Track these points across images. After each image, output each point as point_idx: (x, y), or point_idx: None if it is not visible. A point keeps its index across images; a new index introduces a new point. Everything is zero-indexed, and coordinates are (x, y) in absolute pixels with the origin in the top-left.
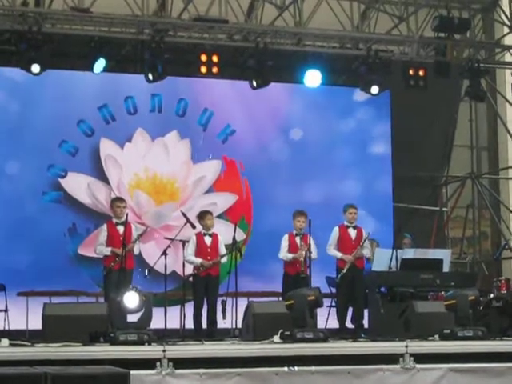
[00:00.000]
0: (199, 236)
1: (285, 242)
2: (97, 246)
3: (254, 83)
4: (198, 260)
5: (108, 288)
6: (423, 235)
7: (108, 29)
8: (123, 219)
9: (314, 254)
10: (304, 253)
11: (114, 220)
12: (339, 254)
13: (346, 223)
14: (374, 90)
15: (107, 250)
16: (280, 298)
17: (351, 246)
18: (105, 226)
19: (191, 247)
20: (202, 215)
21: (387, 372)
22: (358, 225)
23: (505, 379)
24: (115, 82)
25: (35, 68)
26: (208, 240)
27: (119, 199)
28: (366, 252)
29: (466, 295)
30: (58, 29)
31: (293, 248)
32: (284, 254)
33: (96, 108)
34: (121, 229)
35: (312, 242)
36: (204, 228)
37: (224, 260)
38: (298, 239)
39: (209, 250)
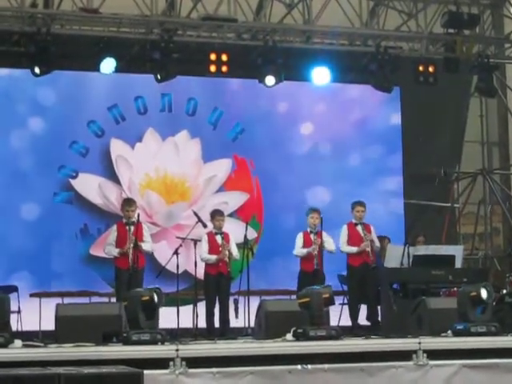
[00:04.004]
0: (210, 235)
1: (299, 239)
2: (106, 245)
3: (273, 80)
4: (213, 256)
5: (119, 288)
6: (435, 232)
7: (117, 29)
8: (133, 219)
9: (331, 246)
10: (318, 247)
11: (124, 220)
12: (354, 249)
13: (354, 221)
14: (388, 87)
15: (115, 251)
16: (293, 296)
17: (361, 243)
18: (115, 227)
19: (204, 245)
20: (212, 215)
21: (400, 369)
22: (365, 222)
23: None
24: (125, 82)
25: (36, 69)
26: (219, 239)
27: (128, 203)
28: (376, 241)
29: (466, 291)
30: (66, 30)
31: (308, 245)
32: (299, 250)
33: (106, 108)
34: (131, 229)
35: (327, 236)
36: (214, 227)
37: (236, 254)
38: (312, 236)
39: (220, 248)
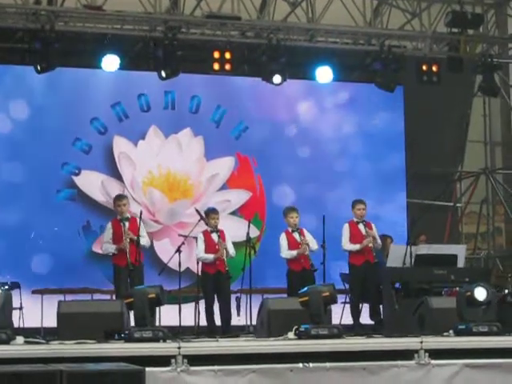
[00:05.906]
0: (206, 233)
1: (283, 240)
2: (102, 244)
3: (280, 79)
4: (211, 256)
5: (119, 285)
6: (437, 231)
7: (121, 26)
8: (126, 215)
9: (313, 246)
10: (307, 247)
11: (118, 217)
12: (357, 246)
13: (355, 219)
14: (391, 86)
15: (113, 248)
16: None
17: (363, 240)
18: (109, 224)
19: (201, 244)
20: (207, 213)
21: (402, 368)
22: (366, 220)
23: None
24: (128, 79)
25: (40, 66)
26: (215, 237)
27: (118, 198)
28: (378, 239)
29: (462, 291)
30: (70, 27)
31: (293, 245)
32: (287, 252)
33: (109, 105)
34: (125, 224)
35: (308, 235)
36: (210, 225)
37: (232, 252)
38: (296, 235)
39: (217, 246)
